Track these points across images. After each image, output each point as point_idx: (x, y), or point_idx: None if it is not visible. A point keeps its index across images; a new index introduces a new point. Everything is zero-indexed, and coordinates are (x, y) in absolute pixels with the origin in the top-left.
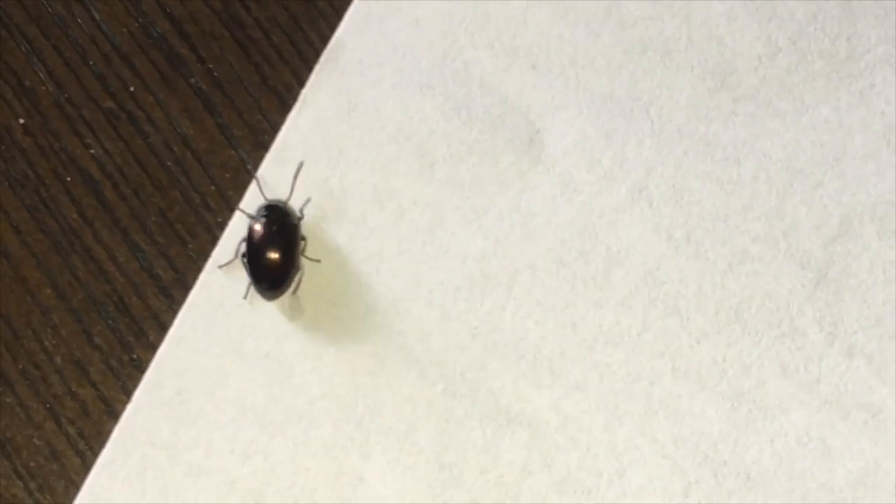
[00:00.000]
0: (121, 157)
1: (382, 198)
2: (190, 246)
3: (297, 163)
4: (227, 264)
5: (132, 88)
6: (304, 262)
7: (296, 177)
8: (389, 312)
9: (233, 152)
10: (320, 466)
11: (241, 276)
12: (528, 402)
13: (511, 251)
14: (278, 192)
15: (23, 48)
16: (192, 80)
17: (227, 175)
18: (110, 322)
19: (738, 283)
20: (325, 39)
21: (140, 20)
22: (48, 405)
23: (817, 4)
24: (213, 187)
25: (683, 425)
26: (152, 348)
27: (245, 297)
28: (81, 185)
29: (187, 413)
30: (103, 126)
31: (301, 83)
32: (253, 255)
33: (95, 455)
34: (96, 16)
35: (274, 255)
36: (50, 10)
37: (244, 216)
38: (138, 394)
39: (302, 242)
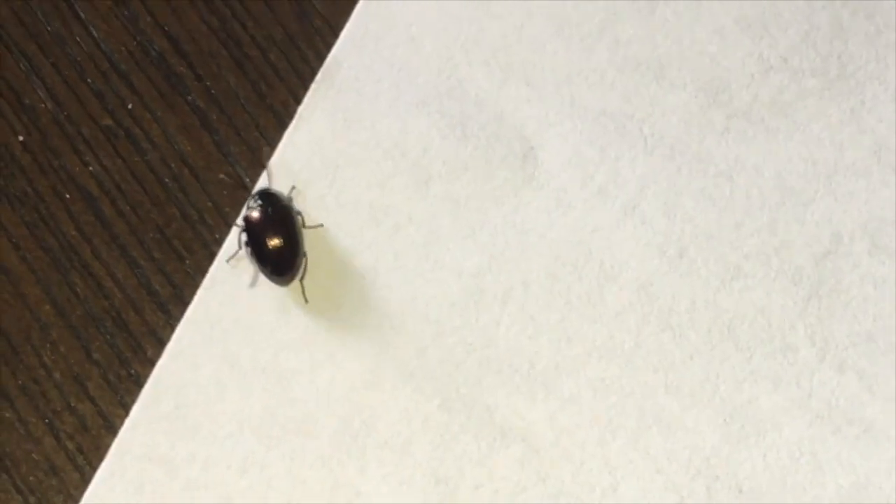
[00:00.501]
0: (119, 174)
1: (378, 213)
2: (187, 262)
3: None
4: (233, 256)
5: (130, 106)
6: (306, 248)
7: (269, 172)
8: (385, 327)
9: (230, 169)
10: (317, 480)
11: (242, 283)
12: (523, 416)
13: (506, 266)
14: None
15: (22, 66)
16: (190, 97)
17: (224, 192)
18: (108, 337)
19: (730, 299)
20: (321, 57)
21: (138, 38)
22: (47, 420)
23: (809, 22)
24: (210, 204)
25: (676, 440)
26: (150, 363)
27: (252, 285)
28: (80, 201)
29: (185, 427)
30: (102, 143)
31: (298, 101)
32: (258, 242)
33: (94, 470)
34: (95, 34)
35: (278, 239)
36: (49, 28)
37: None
38: (136, 408)
39: (298, 217)
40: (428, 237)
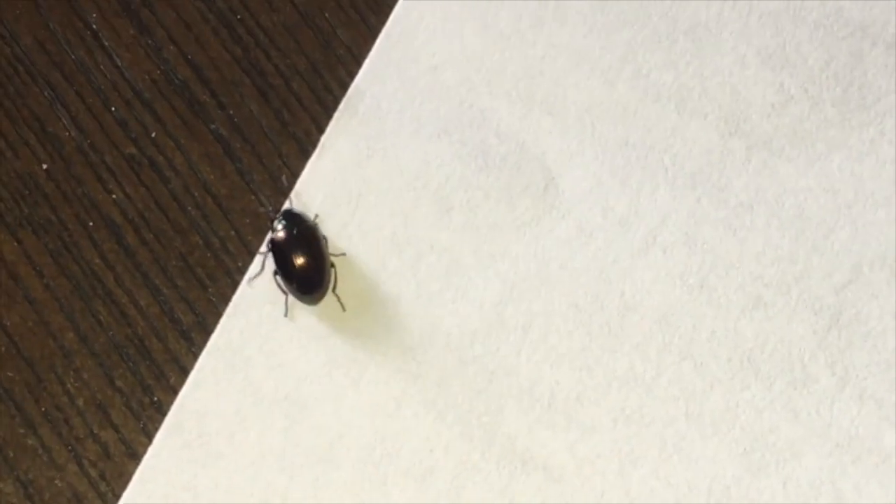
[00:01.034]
0: (142, 202)
1: (400, 243)
2: (210, 290)
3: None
4: (256, 276)
5: (154, 134)
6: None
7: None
8: (407, 356)
9: (253, 198)
10: (337, 491)
11: (265, 311)
12: (544, 445)
13: (527, 296)
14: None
15: (46, 94)
16: (213, 126)
17: (247, 220)
18: (131, 365)
19: (750, 329)
20: (344, 86)
21: (162, 67)
22: (70, 447)
23: (829, 53)
24: (233, 232)
25: (697, 469)
26: (173, 391)
27: (286, 315)
28: (103, 229)
29: (207, 455)
30: (125, 171)
31: (320, 130)
32: (284, 262)
33: (117, 497)
34: (119, 62)
35: (304, 258)
36: (73, 56)
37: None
38: (159, 436)
39: (324, 240)
40: (449, 266)
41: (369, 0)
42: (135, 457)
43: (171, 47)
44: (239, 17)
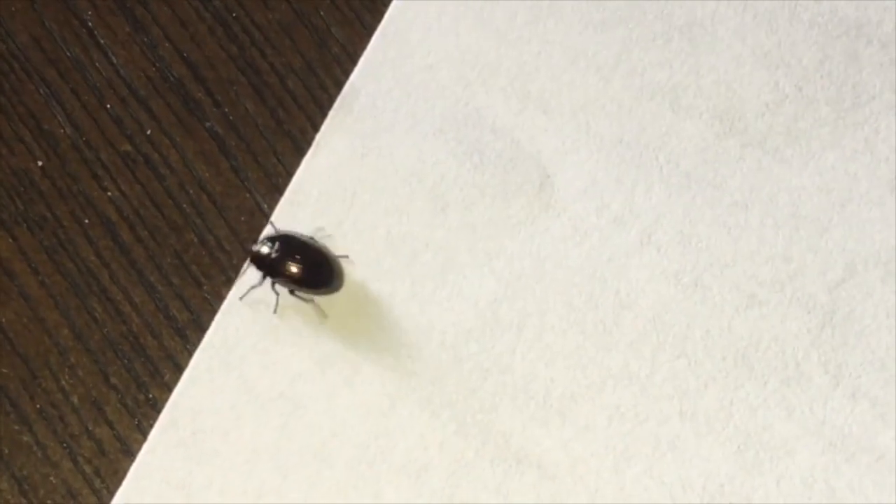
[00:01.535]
0: (137, 199)
1: (395, 241)
2: (205, 287)
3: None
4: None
5: (149, 132)
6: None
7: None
8: (402, 354)
9: (248, 195)
10: (332, 488)
11: (260, 309)
12: (538, 443)
13: (522, 294)
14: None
15: (41, 91)
16: (208, 123)
17: (242, 218)
18: (126, 362)
19: (745, 327)
20: (339, 84)
21: (157, 65)
22: (65, 444)
23: (823, 51)
24: (227, 230)
25: (691, 467)
26: (167, 388)
27: (275, 311)
28: (99, 226)
29: (202, 453)
30: (120, 169)
31: (315, 128)
32: (291, 272)
33: (111, 494)
34: (114, 60)
35: (304, 261)
36: (68, 53)
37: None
38: (154, 433)
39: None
40: (445, 264)
41: None
42: (129, 454)
43: (167, 45)
44: (234, 15)
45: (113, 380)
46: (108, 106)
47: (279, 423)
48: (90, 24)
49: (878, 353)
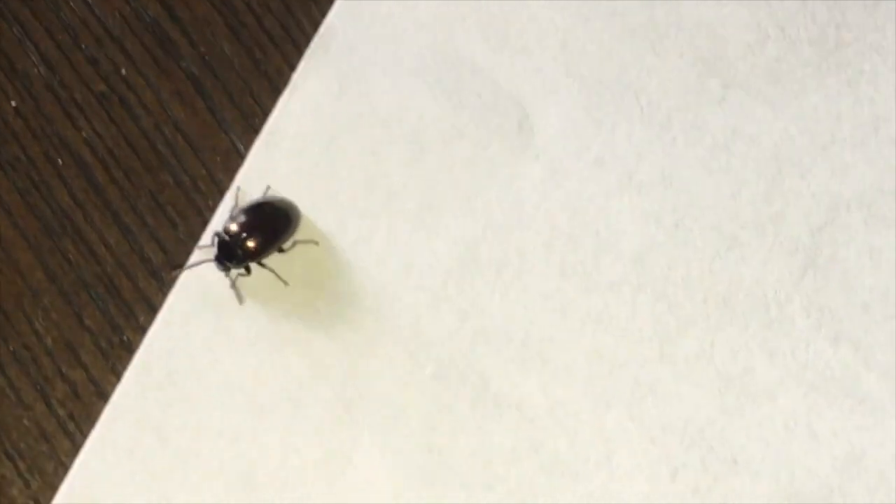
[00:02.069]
0: (112, 140)
1: (373, 182)
2: (180, 228)
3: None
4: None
5: (124, 72)
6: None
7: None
8: (379, 296)
9: (224, 136)
10: (309, 449)
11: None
12: (517, 385)
13: (501, 236)
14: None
15: (15, 31)
16: (184, 64)
17: (218, 158)
18: (101, 304)
19: (726, 270)
20: (316, 24)
21: (132, 4)
22: (38, 387)
23: None
24: (203, 170)
25: (671, 410)
26: (142, 330)
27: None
28: (73, 167)
29: (177, 395)
30: (95, 109)
31: (292, 68)
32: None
33: (85, 436)
34: None
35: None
36: None
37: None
38: (128, 376)
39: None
40: (422, 206)
41: None
42: (103, 396)
43: None
44: None
45: (87, 322)
46: (83, 46)
47: (255, 365)
48: None
49: (860, 295)
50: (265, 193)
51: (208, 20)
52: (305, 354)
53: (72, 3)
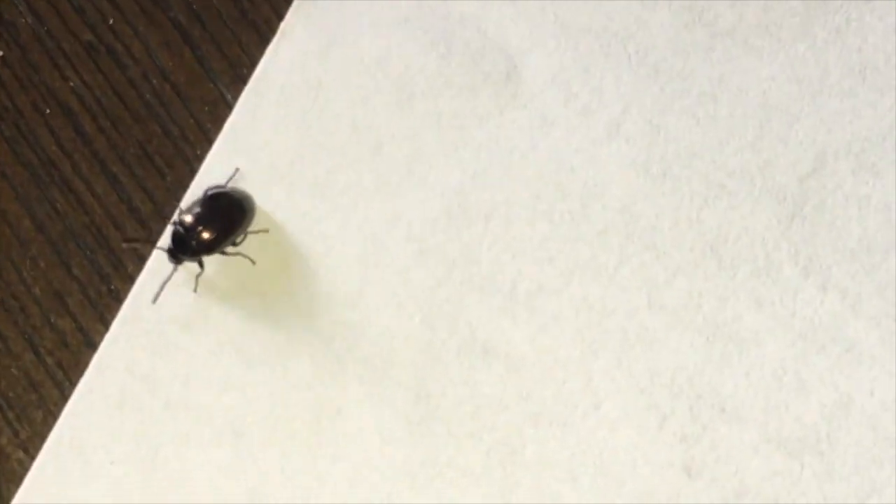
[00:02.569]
0: (100, 89)
1: (360, 131)
2: (168, 178)
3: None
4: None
5: (111, 21)
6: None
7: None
8: (367, 246)
9: (212, 85)
10: (298, 399)
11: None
12: (505, 335)
13: (488, 185)
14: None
15: None
16: (172, 13)
17: (206, 108)
18: (89, 253)
19: (713, 218)
20: None
21: None
22: (26, 335)
23: None
24: (191, 120)
25: (659, 359)
26: (130, 280)
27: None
28: (60, 117)
29: (165, 345)
30: (82, 59)
31: (280, 17)
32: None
33: (73, 385)
34: None
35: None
36: None
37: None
38: (116, 324)
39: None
40: (410, 155)
41: None
42: (92, 346)
43: None
44: None
45: (75, 271)
46: None
47: (243, 315)
48: None
49: (848, 243)
50: (229, 180)
51: None
52: (293, 305)
53: None
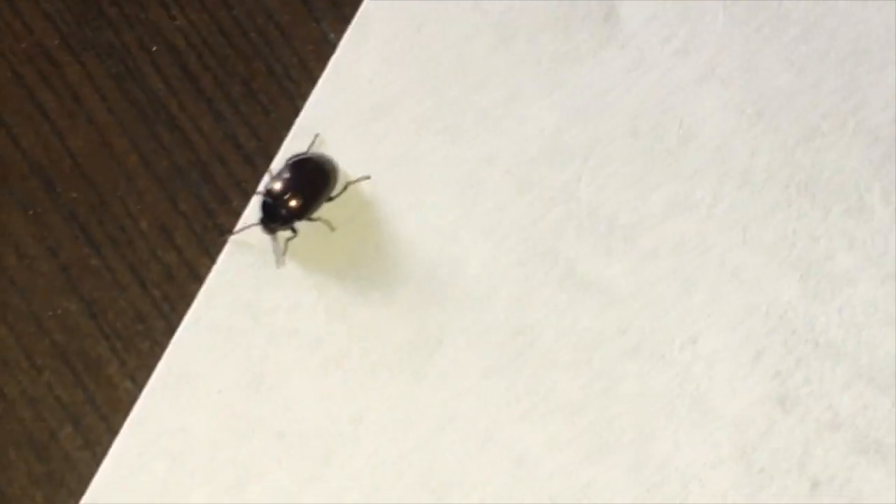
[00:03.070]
0: (205, 28)
1: (460, 71)
2: (272, 116)
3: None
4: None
5: None
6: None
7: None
8: (466, 182)
9: (315, 25)
10: (400, 330)
11: (328, 134)
12: (603, 270)
13: (586, 124)
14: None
15: None
16: None
17: (310, 47)
18: (195, 189)
19: (807, 158)
20: None
21: None
22: (133, 268)
23: None
24: (295, 59)
25: (754, 294)
26: (235, 214)
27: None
28: (166, 55)
29: (271, 275)
30: None
31: None
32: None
33: (180, 317)
34: None
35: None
36: None
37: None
38: (222, 258)
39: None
40: (509, 94)
41: None
42: (198, 279)
43: None
44: None
45: (181, 206)
46: None
47: (346, 245)
48: None
49: None
50: (311, 145)
51: None
52: (395, 234)
53: None
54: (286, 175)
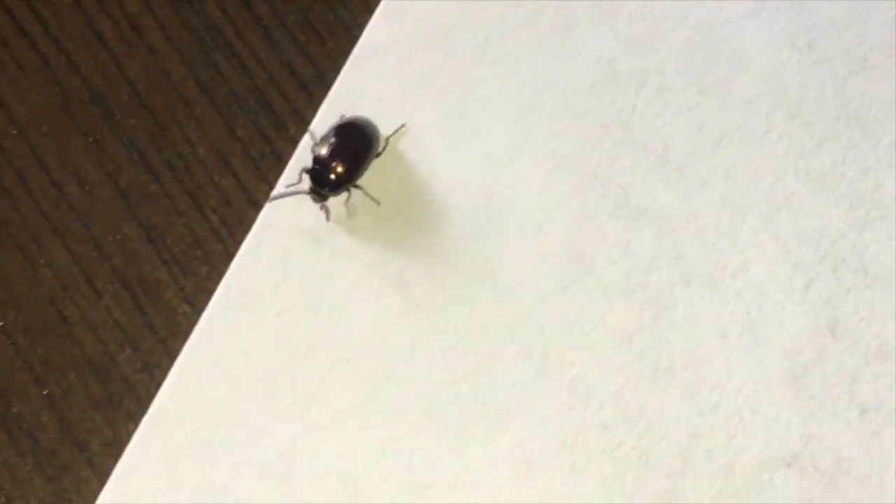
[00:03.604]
0: None
1: (515, 0)
2: (329, 45)
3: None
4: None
5: None
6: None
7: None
8: (522, 109)
9: None
10: (457, 254)
11: (387, 64)
12: (656, 197)
13: (640, 53)
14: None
15: None
16: None
17: None
18: (252, 116)
19: (857, 90)
20: None
21: None
22: (192, 194)
23: None
24: None
25: (804, 223)
26: (293, 142)
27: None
28: None
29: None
30: None
31: None
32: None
33: (237, 242)
34: None
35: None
36: None
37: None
38: (280, 183)
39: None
40: (564, 24)
41: None
42: (254, 204)
43: None
44: None
45: (238, 132)
46: None
47: (401, 174)
48: None
49: None
50: (343, 117)
51: None
52: (451, 166)
53: None
54: (332, 139)
